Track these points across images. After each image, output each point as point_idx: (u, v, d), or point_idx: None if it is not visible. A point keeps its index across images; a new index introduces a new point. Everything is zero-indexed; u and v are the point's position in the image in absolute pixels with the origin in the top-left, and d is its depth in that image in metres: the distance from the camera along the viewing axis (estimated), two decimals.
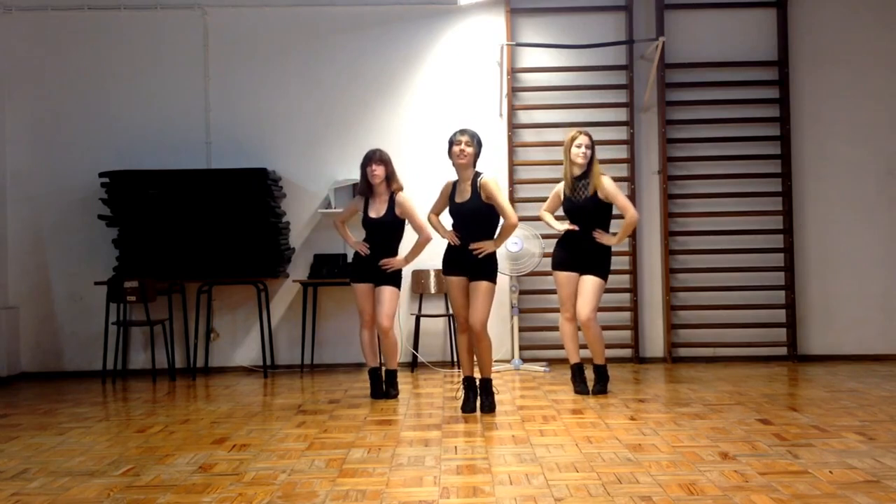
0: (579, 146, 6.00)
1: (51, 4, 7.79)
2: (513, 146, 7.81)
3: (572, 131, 6.13)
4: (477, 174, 5.56)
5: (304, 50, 7.88)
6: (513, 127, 7.83)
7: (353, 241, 6.27)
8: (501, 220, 5.54)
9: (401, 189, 6.17)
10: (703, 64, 7.83)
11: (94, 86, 7.83)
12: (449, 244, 5.66)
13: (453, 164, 5.58)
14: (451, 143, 5.58)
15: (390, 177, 6.13)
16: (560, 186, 6.22)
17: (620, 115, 7.84)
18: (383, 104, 7.89)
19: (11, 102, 7.81)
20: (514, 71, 7.85)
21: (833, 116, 7.82)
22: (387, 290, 6.10)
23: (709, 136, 7.78)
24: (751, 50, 7.83)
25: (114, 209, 7.42)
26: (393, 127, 7.84)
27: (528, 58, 7.91)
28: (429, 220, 5.92)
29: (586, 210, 6.04)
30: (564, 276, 6.12)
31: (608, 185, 6.02)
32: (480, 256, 5.48)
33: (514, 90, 7.86)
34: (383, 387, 6.20)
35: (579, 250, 6.06)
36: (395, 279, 6.15)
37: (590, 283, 6.03)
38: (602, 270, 6.07)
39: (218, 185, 7.44)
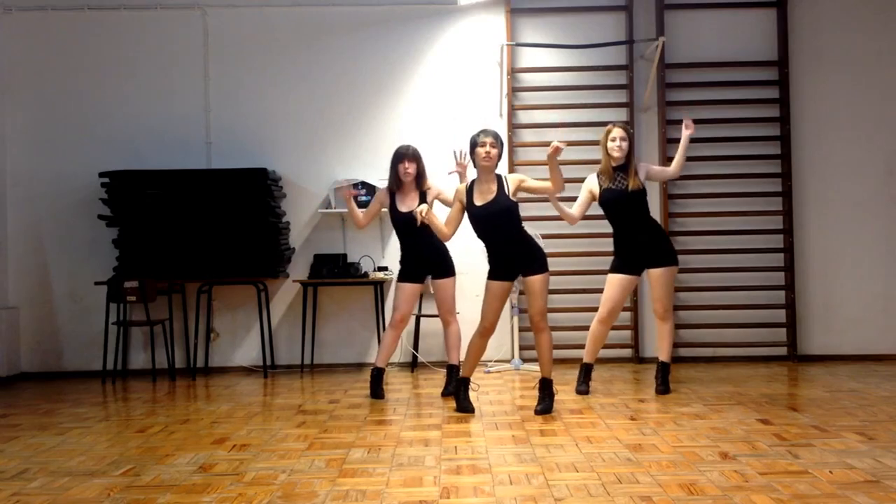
0: (613, 139, 5.99)
1: (51, 4, 7.79)
2: (513, 146, 7.80)
3: (608, 125, 6.11)
4: (497, 174, 5.52)
5: (304, 50, 7.88)
6: (513, 127, 7.83)
7: (357, 215, 6.15)
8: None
9: (430, 187, 6.17)
10: (703, 64, 7.83)
11: (94, 86, 7.83)
12: (491, 252, 5.49)
13: (475, 166, 5.50)
14: (475, 144, 5.47)
15: (421, 174, 6.11)
16: (593, 181, 6.11)
17: (620, 115, 7.84)
18: (383, 104, 7.89)
19: (11, 102, 7.81)
20: (514, 71, 7.85)
21: (833, 116, 7.82)
22: (448, 284, 6.11)
23: (709, 136, 7.77)
24: (751, 50, 7.83)
25: (114, 209, 7.42)
26: (393, 127, 7.83)
27: (528, 58, 7.91)
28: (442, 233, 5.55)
29: (637, 200, 6.00)
30: (617, 279, 6.03)
31: (650, 166, 6.21)
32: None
33: (514, 90, 7.86)
34: (383, 389, 6.19)
35: (636, 248, 6.00)
36: (450, 269, 6.14)
37: (663, 274, 6.00)
38: (671, 256, 6.04)
39: (218, 185, 7.44)
